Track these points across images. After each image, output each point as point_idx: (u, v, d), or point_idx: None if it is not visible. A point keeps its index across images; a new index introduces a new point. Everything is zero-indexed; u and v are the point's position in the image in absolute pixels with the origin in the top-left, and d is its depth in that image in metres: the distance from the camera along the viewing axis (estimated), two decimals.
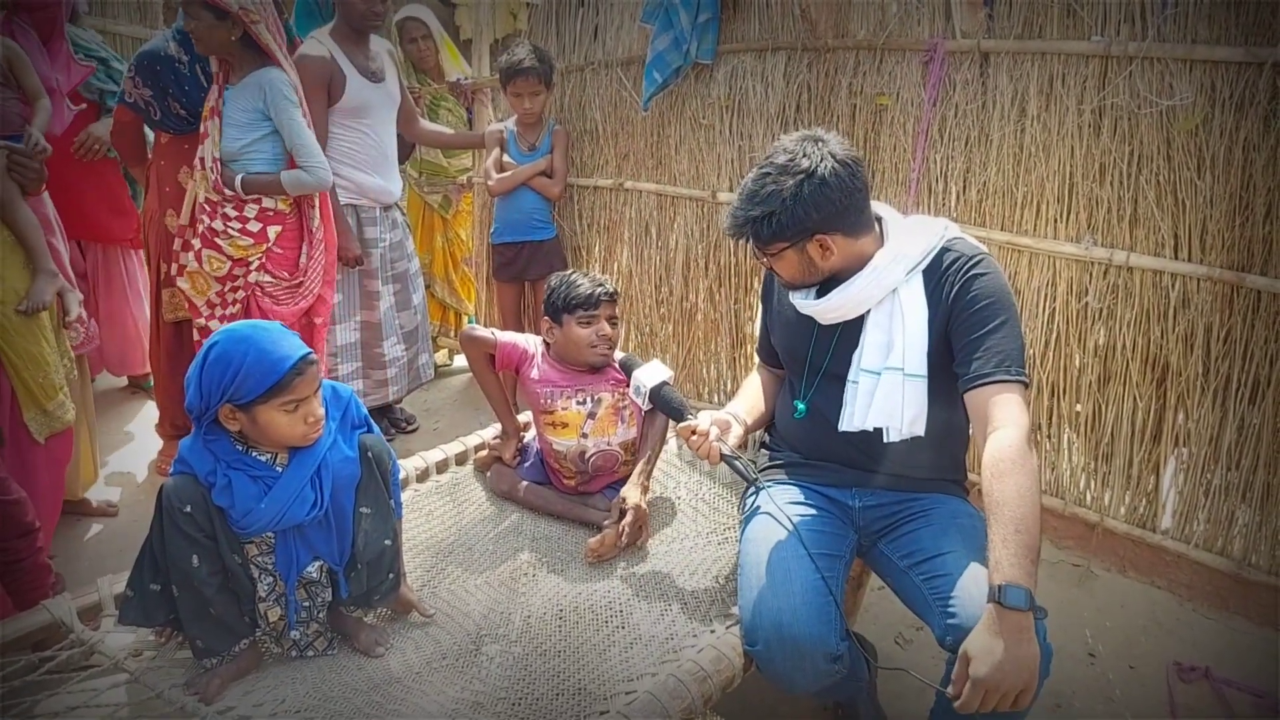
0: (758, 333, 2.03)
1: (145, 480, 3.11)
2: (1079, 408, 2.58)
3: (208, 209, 2.62)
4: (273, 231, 2.66)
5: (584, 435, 2.20)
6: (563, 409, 2.20)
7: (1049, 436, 2.65)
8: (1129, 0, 2.31)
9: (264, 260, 2.65)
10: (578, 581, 1.93)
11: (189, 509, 1.47)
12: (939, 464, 1.78)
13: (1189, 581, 2.47)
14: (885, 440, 1.68)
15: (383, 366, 3.30)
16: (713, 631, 1.71)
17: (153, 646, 1.62)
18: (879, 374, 1.66)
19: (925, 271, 1.66)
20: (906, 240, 1.69)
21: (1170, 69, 2.28)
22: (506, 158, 3.43)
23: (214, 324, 2.66)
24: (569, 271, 2.27)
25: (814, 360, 1.79)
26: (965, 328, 1.61)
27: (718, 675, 1.56)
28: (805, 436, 1.86)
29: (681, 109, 3.24)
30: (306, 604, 1.62)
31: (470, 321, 4.25)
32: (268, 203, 2.65)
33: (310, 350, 1.50)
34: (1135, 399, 2.46)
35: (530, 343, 2.33)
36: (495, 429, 2.52)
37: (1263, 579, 2.34)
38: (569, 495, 2.25)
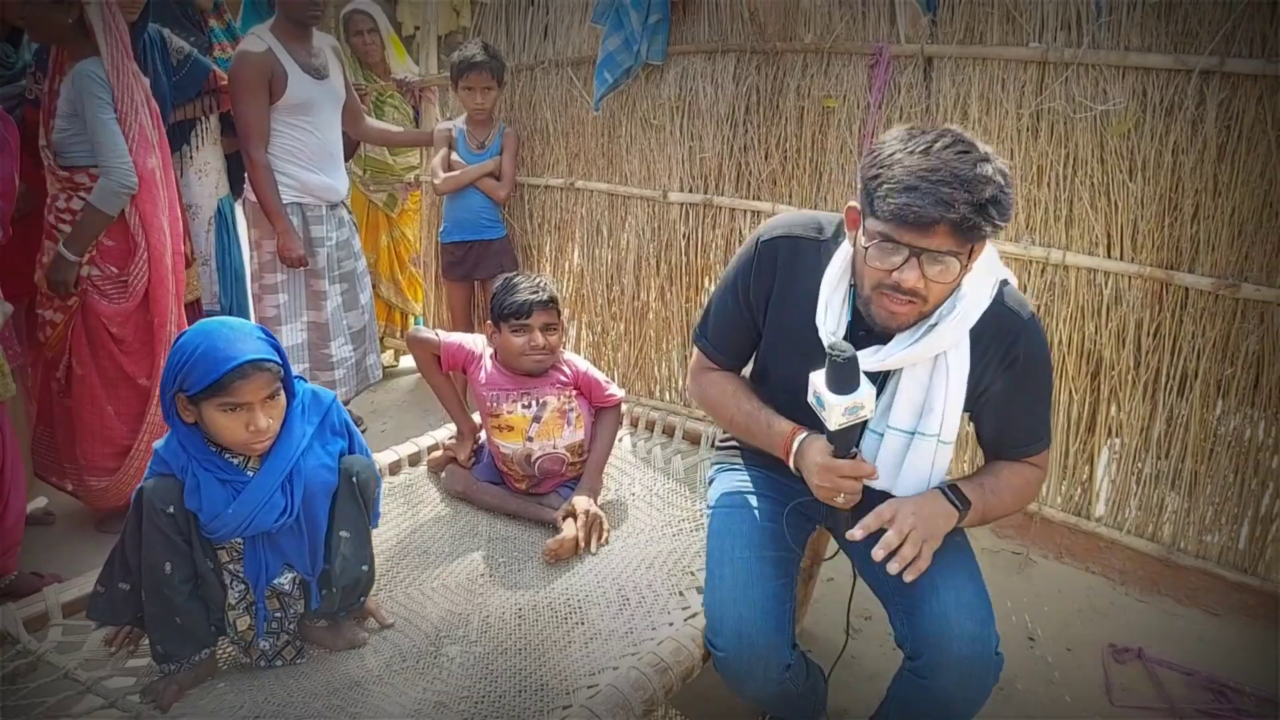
0: (711, 328, 1.77)
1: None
2: None
3: (48, 202, 2.52)
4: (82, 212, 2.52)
5: (529, 439, 2.19)
6: (508, 412, 2.20)
7: None
8: (1065, 8, 2.40)
9: (94, 253, 2.53)
10: (536, 580, 1.93)
11: (171, 509, 1.45)
12: None
13: (1122, 566, 2.58)
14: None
15: (330, 368, 3.25)
16: (671, 624, 1.73)
17: (103, 655, 1.58)
18: (910, 435, 1.51)
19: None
20: (972, 289, 1.45)
21: (1104, 75, 2.38)
22: (455, 156, 3.41)
23: (49, 314, 2.56)
24: (513, 275, 2.25)
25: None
26: (1015, 402, 1.54)
27: (678, 666, 1.58)
28: None
29: (632, 109, 3.26)
30: (278, 614, 1.59)
31: (417, 322, 4.21)
32: (93, 190, 2.49)
33: (265, 357, 1.45)
34: (1071, 392, 2.56)
35: (478, 344, 2.33)
36: (449, 430, 2.51)
37: (1190, 563, 2.45)
38: (523, 495, 2.26)
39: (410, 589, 1.91)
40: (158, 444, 1.50)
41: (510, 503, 2.23)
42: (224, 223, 3.24)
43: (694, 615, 1.74)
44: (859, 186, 1.41)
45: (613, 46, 3.11)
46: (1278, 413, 2.30)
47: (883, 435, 1.53)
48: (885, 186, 1.32)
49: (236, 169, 3.20)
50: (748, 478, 1.79)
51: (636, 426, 2.66)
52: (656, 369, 3.46)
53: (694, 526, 2.13)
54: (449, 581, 1.94)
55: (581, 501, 2.08)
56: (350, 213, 3.40)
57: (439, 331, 2.37)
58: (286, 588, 1.58)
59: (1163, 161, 2.33)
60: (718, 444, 1.92)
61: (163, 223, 2.61)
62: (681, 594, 1.85)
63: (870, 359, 1.46)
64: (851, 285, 1.52)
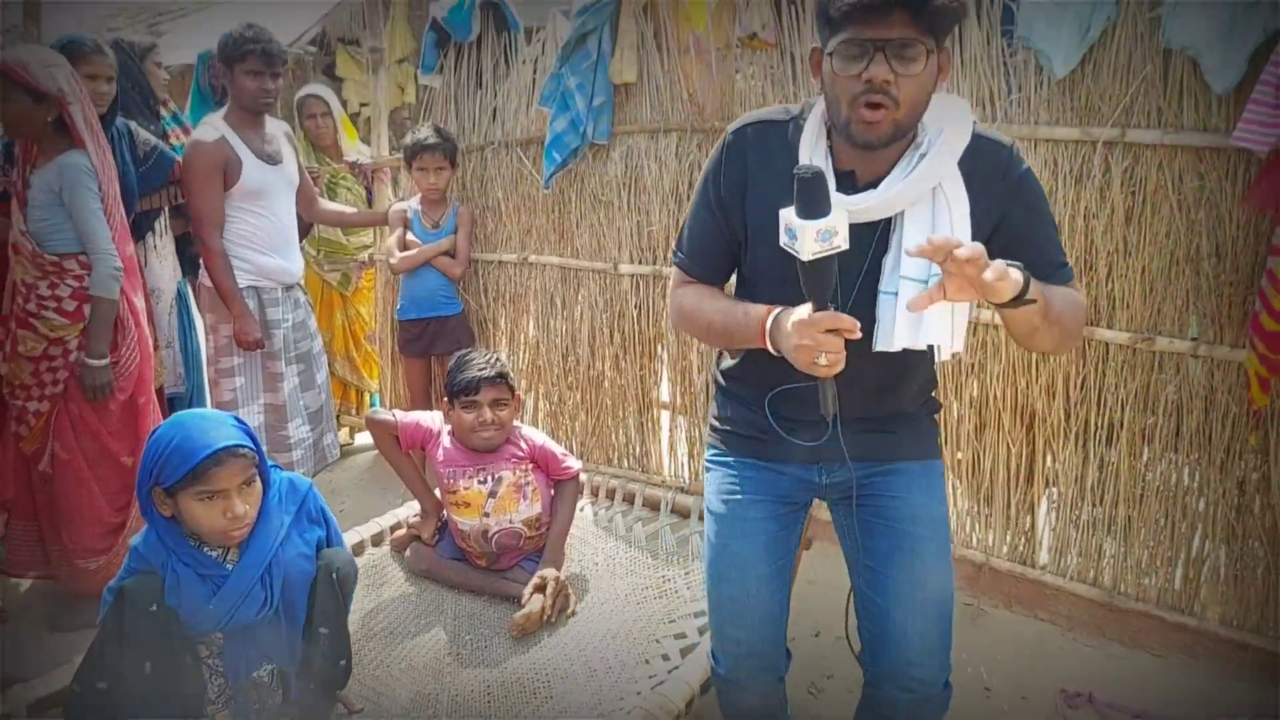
0: (686, 241, 1.65)
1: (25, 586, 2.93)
2: (960, 455, 2.79)
3: (23, 290, 2.55)
4: (89, 310, 2.57)
5: (486, 514, 2.23)
6: (464, 489, 2.24)
7: None
8: (979, 86, 2.59)
9: (82, 339, 2.56)
10: (503, 656, 1.96)
11: (154, 607, 1.46)
12: (922, 385, 1.64)
13: (1068, 612, 2.67)
14: (937, 359, 1.49)
15: (288, 449, 3.25)
16: (639, 694, 1.78)
17: None
18: (925, 283, 1.39)
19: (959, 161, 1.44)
20: (949, 119, 1.43)
21: (1018, 147, 2.55)
22: (410, 236, 3.49)
23: (31, 404, 2.55)
24: (467, 352, 2.31)
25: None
26: (1033, 227, 1.49)
27: None
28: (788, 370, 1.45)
29: (581, 186, 3.39)
30: (256, 706, 1.60)
31: (373, 399, 4.23)
32: (89, 280, 2.55)
33: (240, 443, 1.49)
34: (1008, 445, 2.68)
35: (435, 421, 2.37)
36: (410, 508, 2.54)
37: (1131, 605, 2.56)
38: (486, 571, 2.29)
39: (377, 671, 1.92)
40: (134, 540, 1.52)
41: (474, 579, 2.26)
42: (184, 305, 3.29)
43: (661, 683, 1.78)
44: (815, 18, 1.41)
45: (560, 128, 3.24)
46: (1200, 458, 2.44)
47: (897, 293, 1.42)
48: None
49: (184, 249, 3.26)
50: (736, 478, 1.68)
51: (597, 495, 2.72)
52: (614, 436, 3.52)
53: (657, 594, 2.19)
54: (416, 661, 1.96)
55: (548, 573, 2.12)
56: (305, 293, 3.44)
57: (396, 412, 2.41)
58: (265, 679, 1.59)
59: (1075, 226, 2.50)
60: (710, 424, 1.77)
61: (141, 305, 2.69)
62: (648, 662, 1.89)
63: (866, 202, 1.41)
64: (830, 146, 1.46)
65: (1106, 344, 2.51)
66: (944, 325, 1.40)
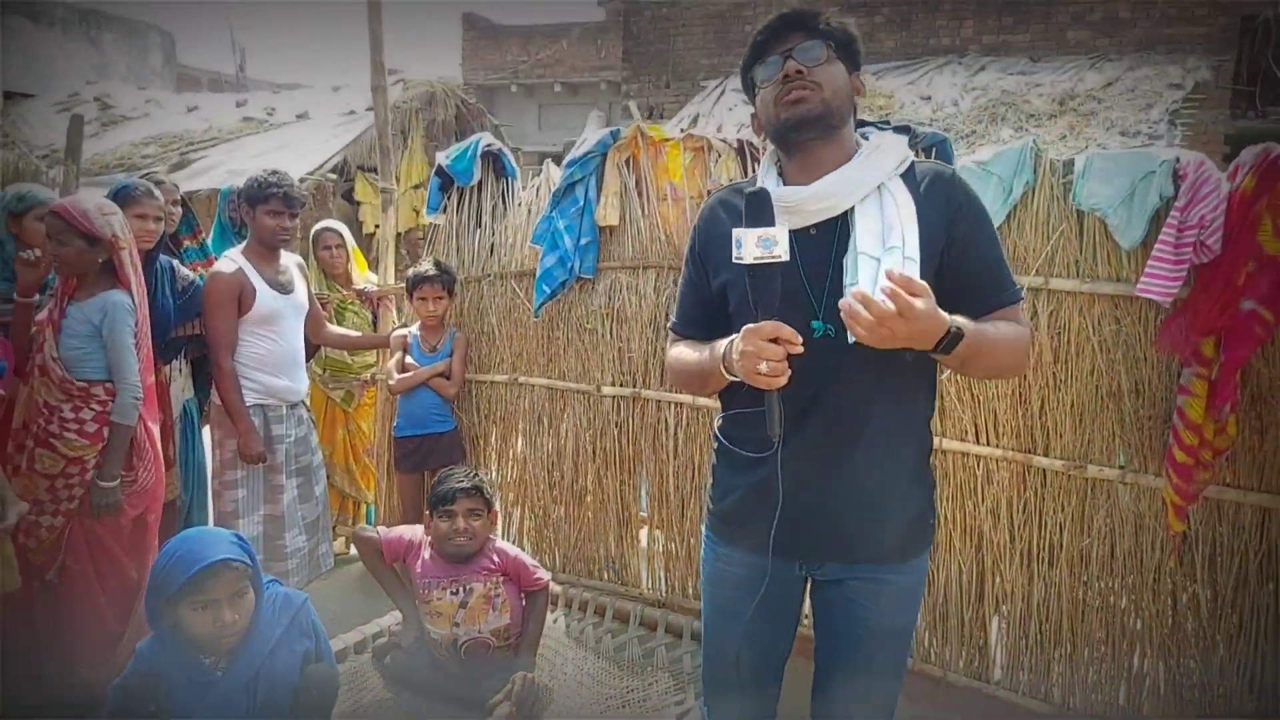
0: (679, 307, 1.83)
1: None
2: None
3: (45, 412, 2.71)
4: (108, 432, 2.75)
5: (456, 624, 2.39)
6: (438, 599, 2.41)
7: None
8: None
9: (99, 458, 2.73)
10: None
11: (153, 708, 1.61)
12: (902, 413, 1.71)
13: None
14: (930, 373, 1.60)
15: (284, 558, 3.42)
16: None
17: None
18: (878, 259, 1.52)
19: (903, 177, 1.60)
20: (886, 138, 1.65)
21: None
22: (409, 359, 3.76)
23: (45, 519, 2.70)
24: (450, 468, 2.52)
25: (802, 288, 1.57)
26: (973, 252, 1.59)
27: None
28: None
29: (568, 315, 3.67)
30: None
31: (369, 510, 4.41)
32: (111, 407, 2.74)
33: (233, 556, 1.68)
34: (960, 564, 2.85)
35: (416, 534, 2.56)
36: (394, 617, 2.69)
37: None
38: (461, 678, 2.43)
39: None
40: (141, 644, 1.68)
41: (448, 686, 2.40)
42: (189, 422, 3.52)
43: None
44: (745, 93, 1.70)
45: (550, 263, 3.55)
46: (1135, 580, 2.60)
47: (856, 281, 1.51)
48: (749, 47, 1.63)
49: (199, 371, 3.52)
50: (722, 568, 1.76)
51: (571, 607, 2.87)
52: (595, 550, 3.68)
53: (620, 704, 2.32)
54: None
55: (516, 677, 2.26)
56: (309, 410, 3.68)
57: (379, 529, 2.61)
58: None
59: None
60: (708, 493, 1.83)
61: (156, 430, 2.92)
62: None
63: (816, 190, 1.56)
64: (780, 174, 1.66)
65: (1043, 470, 2.71)
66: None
